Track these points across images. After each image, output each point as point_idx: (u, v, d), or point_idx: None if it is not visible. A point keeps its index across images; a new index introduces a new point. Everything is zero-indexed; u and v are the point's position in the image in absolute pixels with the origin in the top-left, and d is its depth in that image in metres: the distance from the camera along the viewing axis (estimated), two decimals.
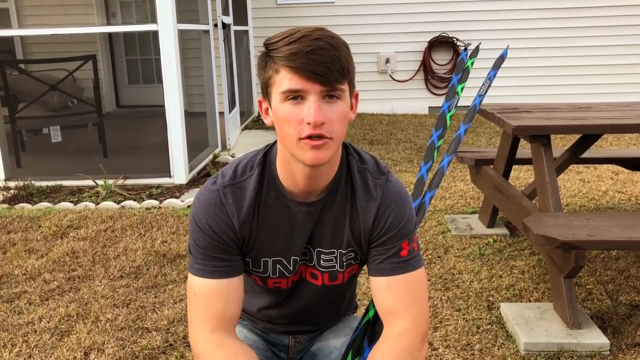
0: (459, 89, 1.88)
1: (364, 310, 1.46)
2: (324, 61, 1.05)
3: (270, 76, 1.10)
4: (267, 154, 1.25)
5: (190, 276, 1.23)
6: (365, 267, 1.33)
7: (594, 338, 2.26)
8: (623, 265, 2.98)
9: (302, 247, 1.27)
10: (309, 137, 1.07)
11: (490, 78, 1.95)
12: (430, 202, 1.70)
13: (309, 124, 1.06)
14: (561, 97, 7.57)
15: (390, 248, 1.23)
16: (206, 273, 1.20)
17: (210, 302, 1.20)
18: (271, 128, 4.71)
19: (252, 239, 1.23)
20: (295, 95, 1.07)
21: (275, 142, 1.23)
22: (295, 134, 1.08)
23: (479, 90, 1.94)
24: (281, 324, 1.44)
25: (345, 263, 1.29)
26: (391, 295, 1.22)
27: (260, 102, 1.18)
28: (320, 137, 1.07)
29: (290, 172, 1.18)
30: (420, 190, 1.70)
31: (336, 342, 1.45)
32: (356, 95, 1.18)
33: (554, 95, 7.58)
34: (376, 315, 1.37)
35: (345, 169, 1.25)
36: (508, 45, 2.40)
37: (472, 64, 1.93)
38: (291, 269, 1.28)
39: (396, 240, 1.23)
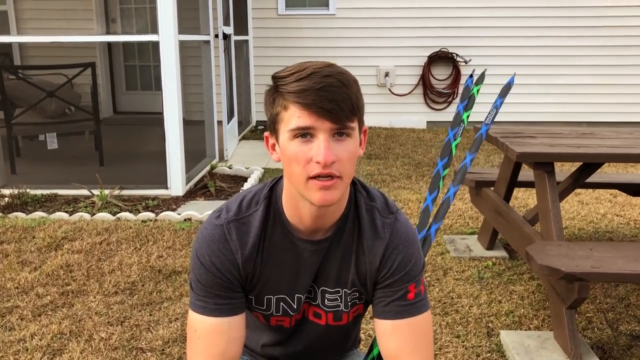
0: (464, 116, 1.87)
1: (367, 343, 1.43)
2: (334, 99, 1.03)
3: (279, 112, 1.08)
4: (273, 188, 1.22)
5: (191, 313, 1.19)
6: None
7: None
8: (623, 293, 2.96)
9: (307, 286, 1.23)
10: (318, 176, 1.05)
11: (497, 106, 1.93)
12: (436, 234, 1.67)
13: (318, 163, 1.04)
14: (563, 115, 7.59)
15: (397, 291, 1.20)
16: (208, 311, 1.17)
17: (211, 341, 1.16)
18: None
19: (255, 276, 1.20)
20: (305, 133, 1.05)
21: (281, 177, 1.20)
22: (304, 173, 1.06)
23: (485, 119, 1.92)
24: None
25: (350, 303, 1.25)
26: (396, 339, 1.19)
27: (266, 138, 1.15)
28: (329, 176, 1.05)
29: (297, 209, 1.16)
30: (425, 221, 1.68)
31: None
32: (365, 131, 1.16)
33: (555, 114, 7.60)
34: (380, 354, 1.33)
35: (353, 207, 1.22)
36: (515, 73, 2.38)
37: (478, 91, 1.91)
38: (295, 307, 1.25)
39: (403, 283, 1.19)
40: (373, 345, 1.40)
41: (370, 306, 1.28)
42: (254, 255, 1.18)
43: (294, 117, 1.04)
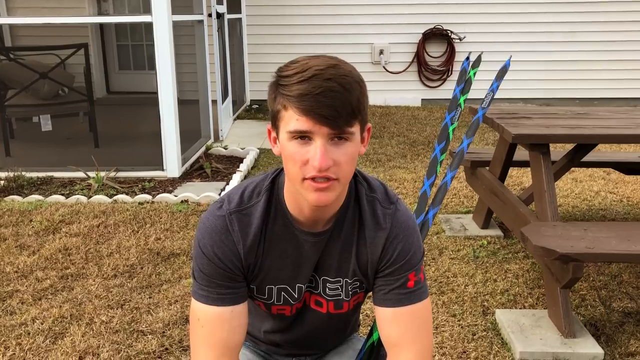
0: (461, 100, 1.86)
1: (365, 323, 1.46)
2: (333, 105, 1.02)
3: (279, 110, 1.08)
4: (275, 180, 1.23)
5: (194, 302, 1.20)
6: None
7: (589, 348, 2.28)
8: (616, 270, 3.01)
9: (309, 275, 1.25)
10: (313, 178, 1.05)
11: (493, 90, 1.92)
12: (434, 219, 1.69)
13: (314, 166, 1.04)
14: (558, 91, 7.59)
15: (397, 279, 1.21)
16: (210, 300, 1.18)
17: (213, 330, 1.18)
18: (263, 118, 4.65)
19: (257, 266, 1.22)
20: (303, 136, 1.05)
21: (282, 169, 1.21)
22: (300, 174, 1.06)
23: (482, 103, 1.91)
24: (285, 348, 1.43)
25: (351, 292, 1.27)
26: (397, 326, 1.21)
27: (269, 131, 1.16)
28: (325, 179, 1.06)
29: (297, 202, 1.17)
30: (423, 206, 1.69)
31: None
32: (369, 129, 1.15)
33: (550, 90, 7.61)
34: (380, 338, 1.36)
35: (354, 198, 1.23)
36: (511, 56, 2.38)
37: (475, 74, 1.90)
38: (296, 296, 1.27)
39: (403, 271, 1.21)
40: (373, 330, 1.42)
41: (370, 292, 1.31)
42: (256, 246, 1.19)
43: (292, 119, 1.04)
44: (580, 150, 2.90)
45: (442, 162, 1.75)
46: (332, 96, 1.01)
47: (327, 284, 1.26)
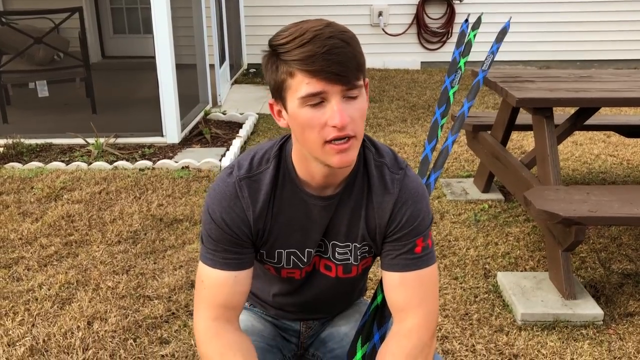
0: (461, 63, 1.85)
1: (372, 290, 1.48)
2: (341, 61, 1.01)
3: (284, 80, 1.06)
4: (283, 147, 1.23)
5: (201, 264, 1.23)
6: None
7: (589, 309, 2.32)
8: (615, 232, 3.04)
9: (318, 240, 1.26)
10: (335, 139, 1.05)
11: (493, 52, 1.90)
12: (435, 183, 1.68)
13: (334, 127, 1.04)
14: (560, 53, 7.53)
15: (405, 244, 1.22)
16: (216, 264, 1.20)
17: (216, 292, 1.21)
18: (261, 83, 4.62)
19: (266, 232, 1.23)
20: (315, 100, 1.04)
21: (289, 136, 1.20)
22: (320, 139, 1.06)
23: (482, 66, 1.89)
24: (293, 312, 1.46)
25: (360, 256, 1.28)
26: (404, 291, 1.22)
27: (271, 105, 1.14)
28: (346, 138, 1.06)
29: (307, 169, 1.17)
30: (425, 170, 1.69)
31: (347, 327, 1.47)
32: (366, 85, 1.14)
33: (553, 52, 7.54)
34: (384, 300, 1.37)
35: (362, 163, 1.23)
36: (510, 17, 2.35)
37: (475, 36, 1.88)
38: (305, 260, 1.28)
39: (411, 237, 1.21)
40: (377, 292, 1.44)
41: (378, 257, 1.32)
42: (265, 211, 1.20)
43: (302, 84, 1.03)
44: (583, 114, 2.89)
45: (443, 126, 1.74)
46: (338, 52, 1.01)
47: (337, 248, 1.27)
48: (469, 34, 1.86)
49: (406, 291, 1.22)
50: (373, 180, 1.22)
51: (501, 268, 2.72)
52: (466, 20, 1.90)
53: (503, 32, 1.92)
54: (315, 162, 1.14)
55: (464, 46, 1.84)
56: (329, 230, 1.25)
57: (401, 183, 1.22)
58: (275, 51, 1.05)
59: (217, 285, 1.20)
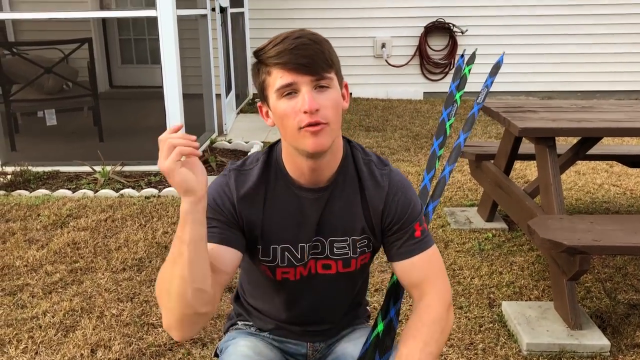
0: (457, 96, 1.89)
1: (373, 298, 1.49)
2: (308, 54, 1.15)
3: (264, 79, 1.21)
4: (272, 147, 1.36)
5: None
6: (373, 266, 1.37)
7: (595, 339, 2.30)
8: (620, 262, 3.03)
9: (311, 235, 1.33)
10: (307, 125, 1.16)
11: (487, 86, 1.94)
12: (434, 212, 1.72)
13: (305, 112, 1.15)
14: (561, 84, 7.60)
15: (405, 232, 1.34)
16: None
17: None
18: None
19: (261, 226, 1.32)
20: (289, 91, 1.17)
21: (279, 140, 1.33)
22: (295, 125, 1.17)
23: (477, 99, 1.94)
24: (296, 324, 1.47)
25: (359, 250, 1.37)
26: (416, 273, 1.34)
27: (260, 107, 1.28)
28: (317, 124, 1.16)
29: (296, 165, 1.28)
30: (424, 200, 1.72)
31: (353, 349, 1.48)
32: (346, 86, 1.28)
33: (553, 83, 7.61)
34: (385, 330, 1.45)
35: (351, 161, 1.35)
36: (504, 52, 2.41)
37: (470, 70, 1.93)
38: (299, 257, 1.35)
39: (409, 223, 1.34)
40: (377, 322, 1.47)
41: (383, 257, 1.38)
42: (251, 200, 1.30)
43: (277, 78, 1.17)
44: (586, 144, 2.92)
45: (441, 156, 1.79)
46: (304, 48, 1.15)
47: (335, 243, 1.35)
48: (464, 69, 1.92)
49: (418, 272, 1.34)
50: (363, 175, 1.34)
51: (506, 297, 2.71)
52: (462, 56, 1.96)
53: (497, 67, 1.98)
54: (299, 156, 1.25)
55: (460, 80, 1.89)
56: (326, 227, 1.34)
57: (389, 177, 1.35)
58: (257, 57, 1.22)
59: None
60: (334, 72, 1.20)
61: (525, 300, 2.67)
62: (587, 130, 2.59)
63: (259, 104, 1.28)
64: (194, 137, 1.12)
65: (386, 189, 1.33)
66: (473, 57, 1.96)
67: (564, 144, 3.51)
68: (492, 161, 3.42)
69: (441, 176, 1.73)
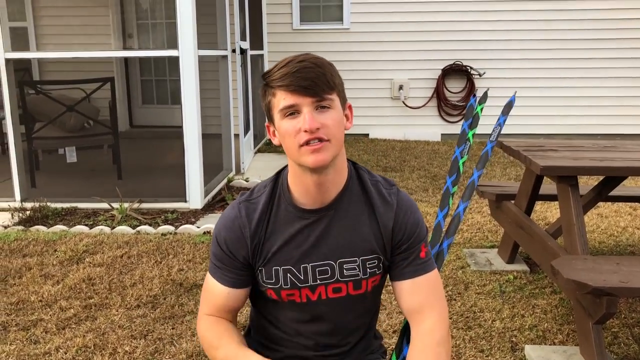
0: (469, 135, 1.93)
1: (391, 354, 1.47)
2: (309, 77, 1.21)
3: (270, 101, 1.27)
4: (280, 172, 1.40)
5: (208, 272, 1.44)
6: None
7: None
8: None
9: (314, 257, 1.34)
10: (307, 142, 1.22)
11: (500, 124, 1.98)
12: (448, 250, 1.70)
13: (305, 131, 1.21)
14: (579, 127, 7.56)
15: (412, 252, 1.36)
16: (216, 277, 1.40)
17: (213, 298, 1.42)
18: (283, 152, 4.73)
19: (263, 249, 1.35)
20: (292, 111, 1.23)
21: (286, 166, 1.37)
22: (296, 143, 1.23)
23: (490, 137, 1.97)
24: (309, 349, 1.44)
25: (369, 270, 1.37)
26: (417, 295, 1.35)
27: (267, 127, 1.34)
28: (318, 140, 1.22)
29: (302, 183, 1.31)
30: (437, 237, 1.72)
31: None
32: (349, 107, 1.34)
33: (572, 126, 7.58)
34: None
35: (357, 181, 1.38)
36: (515, 92, 2.47)
37: (482, 109, 1.99)
38: (302, 278, 1.35)
39: (416, 243, 1.37)
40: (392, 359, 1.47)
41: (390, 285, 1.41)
42: (260, 228, 1.35)
43: (280, 99, 1.24)
44: (609, 183, 2.86)
45: (454, 194, 1.81)
46: (307, 71, 1.22)
47: (344, 265, 1.35)
48: (476, 108, 1.96)
49: (419, 294, 1.36)
50: (372, 194, 1.37)
51: (529, 341, 2.62)
52: (474, 96, 2.02)
53: (509, 106, 2.02)
54: (303, 173, 1.28)
55: (472, 119, 1.93)
56: (334, 249, 1.34)
57: (397, 196, 1.38)
58: (264, 80, 1.28)
59: (214, 294, 1.41)
60: (335, 93, 1.25)
61: (549, 345, 2.58)
62: (610, 169, 2.55)
63: (266, 123, 1.34)
64: None
65: (395, 207, 1.36)
66: (485, 96, 2.01)
67: (584, 185, 3.45)
68: (512, 201, 3.37)
69: (455, 213, 1.75)
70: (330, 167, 1.27)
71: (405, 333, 1.48)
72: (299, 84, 1.21)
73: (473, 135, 1.90)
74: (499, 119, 1.97)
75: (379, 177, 1.41)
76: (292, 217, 1.34)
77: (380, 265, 1.37)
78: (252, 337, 1.55)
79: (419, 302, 1.35)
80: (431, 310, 1.34)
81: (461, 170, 1.82)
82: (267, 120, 1.33)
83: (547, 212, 4.53)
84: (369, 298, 1.43)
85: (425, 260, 1.37)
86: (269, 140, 7.50)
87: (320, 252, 1.34)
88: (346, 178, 1.35)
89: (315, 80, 1.21)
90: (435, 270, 1.39)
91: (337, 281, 1.36)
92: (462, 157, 1.84)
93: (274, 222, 1.35)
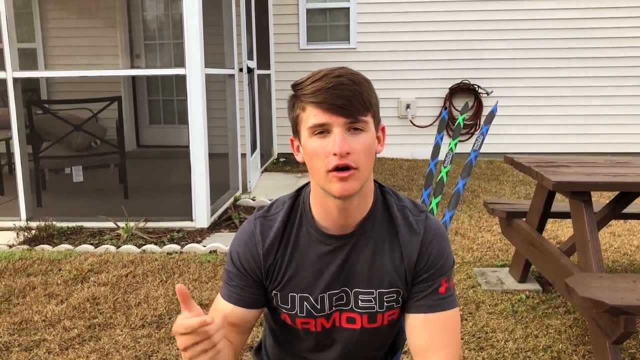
0: (452, 144, 2.07)
1: None
2: (345, 95, 1.11)
3: (298, 115, 1.18)
4: (301, 190, 1.32)
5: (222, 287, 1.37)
6: None
7: None
8: None
9: (334, 285, 1.25)
10: (336, 168, 1.12)
11: (483, 133, 2.00)
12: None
13: (335, 155, 1.11)
14: (588, 145, 7.50)
15: (431, 285, 1.24)
16: (224, 294, 1.32)
17: (214, 314, 1.31)
18: (290, 171, 4.76)
19: (280, 272, 1.27)
20: (322, 130, 1.13)
21: (309, 182, 1.28)
22: (324, 167, 1.13)
23: (474, 146, 1.99)
24: None
25: (386, 304, 1.27)
26: (427, 332, 1.23)
27: (292, 141, 1.25)
28: (346, 168, 1.12)
29: (323, 206, 1.22)
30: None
31: None
32: (382, 129, 1.23)
33: (580, 145, 7.51)
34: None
35: (382, 206, 1.28)
36: (497, 102, 2.54)
37: (463, 119, 2.11)
38: (319, 307, 1.27)
39: (437, 276, 1.25)
40: None
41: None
42: (274, 247, 1.26)
43: (310, 116, 1.14)
44: (623, 200, 2.80)
45: (438, 203, 1.86)
46: (342, 88, 1.11)
47: (360, 295, 1.27)
48: (458, 118, 2.05)
49: (429, 332, 1.23)
50: (397, 221, 1.26)
51: None
52: (448, 108, 2.11)
53: (491, 115, 2.04)
54: (327, 197, 1.19)
55: (455, 129, 2.03)
56: (351, 277, 1.26)
57: (425, 224, 1.27)
58: (294, 91, 1.19)
59: (216, 310, 1.33)
60: (370, 114, 1.15)
61: None
62: (625, 184, 2.49)
63: (290, 137, 1.26)
64: (208, 321, 1.08)
65: (422, 235, 1.25)
66: (466, 107, 2.10)
67: (595, 203, 3.39)
68: (523, 219, 3.30)
69: (442, 222, 1.73)
70: (356, 195, 1.18)
71: None
72: (333, 102, 1.11)
73: (455, 144, 1.99)
74: (481, 128, 2.00)
75: (407, 202, 1.30)
76: (314, 241, 1.25)
77: (400, 300, 1.27)
78: (261, 357, 1.50)
79: (428, 340, 1.21)
80: (439, 352, 1.20)
81: (444, 180, 1.84)
82: (292, 133, 1.24)
83: (558, 231, 4.46)
84: (385, 332, 1.34)
85: (444, 297, 1.23)
86: (276, 160, 7.54)
87: (339, 280, 1.26)
88: (371, 203, 1.25)
89: (351, 99, 1.11)
90: (455, 310, 1.25)
91: (352, 310, 1.27)
92: (445, 167, 1.90)
93: (293, 245, 1.26)
